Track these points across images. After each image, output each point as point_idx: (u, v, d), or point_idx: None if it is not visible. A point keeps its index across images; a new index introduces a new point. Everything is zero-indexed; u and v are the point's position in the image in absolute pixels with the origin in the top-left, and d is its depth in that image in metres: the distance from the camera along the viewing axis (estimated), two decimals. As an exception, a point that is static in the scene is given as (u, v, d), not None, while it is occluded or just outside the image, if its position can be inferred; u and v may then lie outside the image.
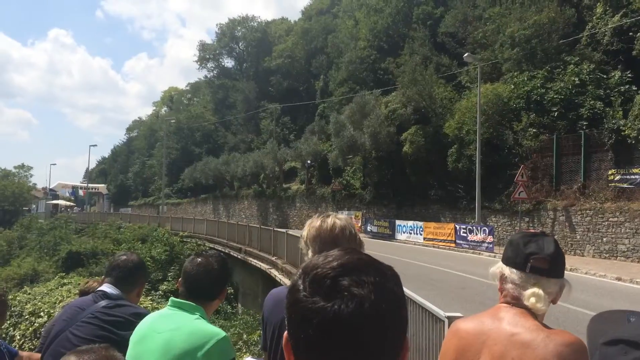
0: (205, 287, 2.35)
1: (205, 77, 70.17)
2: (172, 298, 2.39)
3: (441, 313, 4.76)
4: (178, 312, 2.29)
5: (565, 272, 1.79)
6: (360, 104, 32.98)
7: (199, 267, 2.37)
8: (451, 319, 4.57)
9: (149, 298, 10.80)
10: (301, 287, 0.84)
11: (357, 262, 0.86)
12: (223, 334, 2.21)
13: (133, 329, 2.34)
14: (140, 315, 2.53)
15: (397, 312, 0.84)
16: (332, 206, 35.69)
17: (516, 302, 1.74)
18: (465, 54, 24.61)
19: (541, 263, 1.71)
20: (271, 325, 2.18)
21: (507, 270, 1.77)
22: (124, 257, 2.97)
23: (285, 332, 0.88)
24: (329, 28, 49.52)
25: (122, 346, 2.21)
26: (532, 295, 1.69)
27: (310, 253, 2.07)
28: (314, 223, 2.12)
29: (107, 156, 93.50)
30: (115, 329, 2.62)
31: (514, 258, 1.76)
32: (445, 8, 33.72)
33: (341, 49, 42.83)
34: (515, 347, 1.64)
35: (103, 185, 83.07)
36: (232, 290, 23.09)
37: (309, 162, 39.55)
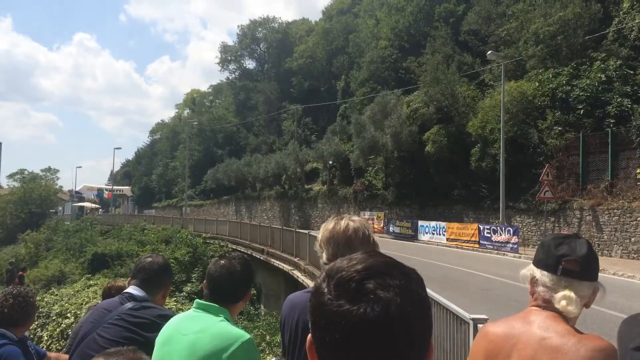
0: (229, 290, 2.35)
1: (227, 78, 70.88)
2: (196, 300, 2.39)
3: (466, 315, 4.70)
4: (203, 314, 2.30)
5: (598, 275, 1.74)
6: (382, 104, 32.91)
7: (222, 270, 2.37)
8: (476, 321, 4.51)
9: (173, 299, 10.90)
10: (325, 290, 0.84)
11: (381, 265, 0.85)
12: (248, 336, 2.21)
13: (158, 331, 2.36)
14: (165, 317, 2.54)
15: (422, 314, 0.83)
16: (354, 207, 35.66)
17: (547, 305, 1.70)
18: (489, 52, 24.38)
19: (573, 265, 1.66)
20: (288, 329, 2.20)
21: (538, 273, 1.74)
22: (150, 259, 2.99)
23: (309, 336, 0.88)
24: (350, 28, 49.49)
25: (148, 348, 2.22)
26: (563, 298, 1.66)
27: (324, 255, 2.08)
28: (327, 225, 2.13)
29: (131, 158, 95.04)
30: (141, 330, 2.64)
31: (545, 260, 1.73)
32: (468, 5, 33.41)
33: (362, 48, 42.75)
34: (545, 351, 1.60)
35: (127, 187, 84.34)
36: (255, 292, 23.21)
37: (330, 162, 39.55)
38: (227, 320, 2.29)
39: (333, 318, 0.80)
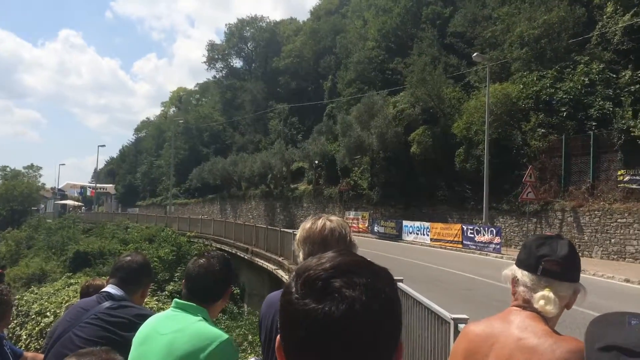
0: (207, 289, 2.34)
1: (214, 77, 70.48)
2: (175, 299, 2.37)
3: (447, 315, 4.70)
4: (181, 313, 2.28)
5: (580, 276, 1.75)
6: (368, 104, 33.07)
7: (200, 269, 2.36)
8: (457, 321, 4.52)
9: (154, 299, 10.82)
10: (293, 289, 0.84)
11: (349, 263, 0.85)
12: (226, 336, 2.20)
13: (136, 331, 2.33)
14: (143, 317, 2.52)
15: (389, 313, 0.82)
16: (339, 206, 35.77)
17: (527, 305, 1.71)
18: (474, 54, 24.55)
19: (553, 266, 1.67)
20: (264, 328, 2.20)
21: (519, 273, 1.75)
22: (129, 257, 2.97)
23: (278, 336, 0.87)
24: (338, 28, 49.48)
25: (125, 347, 2.20)
26: (542, 298, 1.66)
27: (301, 254, 2.09)
28: (305, 225, 2.15)
29: (115, 156, 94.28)
30: (118, 330, 2.62)
31: (526, 260, 1.73)
32: (454, 8, 33.61)
33: (349, 49, 42.75)
34: (522, 351, 1.61)
35: (111, 185, 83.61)
36: (239, 291, 23.13)
37: (316, 162, 39.61)
38: (206, 319, 2.27)
39: (299, 317, 0.80)
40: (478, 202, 24.03)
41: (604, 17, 22.51)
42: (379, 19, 39.33)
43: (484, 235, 21.68)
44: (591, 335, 1.08)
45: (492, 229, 21.58)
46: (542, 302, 1.66)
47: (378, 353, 0.81)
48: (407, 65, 32.85)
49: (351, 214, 33.62)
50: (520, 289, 1.73)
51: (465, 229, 23.11)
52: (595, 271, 15.22)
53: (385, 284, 0.84)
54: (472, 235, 22.37)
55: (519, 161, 23.02)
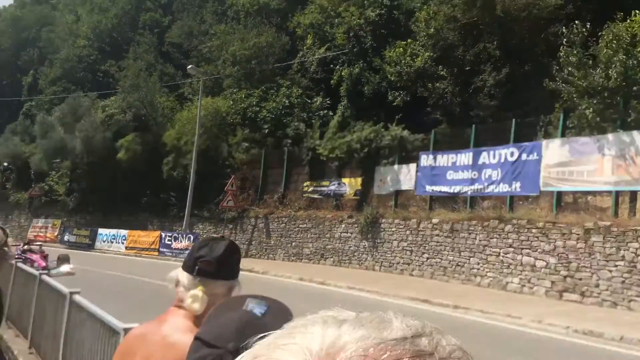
0: None
1: None
2: None
3: (118, 325, 4.25)
4: None
5: (239, 273, 1.81)
6: (74, 106, 31.48)
7: None
8: (127, 330, 4.07)
9: None
10: None
11: None
12: None
13: None
14: None
15: None
16: (27, 214, 32.88)
17: (183, 304, 1.77)
18: (189, 66, 24.84)
19: (207, 266, 1.74)
20: None
21: (181, 275, 1.80)
22: None
23: None
24: (46, 20, 45.59)
25: None
26: (190, 296, 1.73)
27: None
28: None
29: None
30: None
31: (187, 262, 1.81)
32: (174, 18, 33.69)
33: (57, 44, 39.91)
34: (164, 347, 1.66)
35: None
36: None
37: (5, 164, 35.77)
38: None
39: None
40: (182, 210, 24.12)
41: (304, 47, 25.07)
42: (93, 17, 37.49)
43: (181, 242, 21.95)
44: (206, 320, 1.11)
45: (190, 235, 22.00)
46: (189, 300, 1.72)
47: None
48: (121, 69, 31.68)
49: (40, 222, 30.61)
50: (180, 289, 1.79)
51: (163, 236, 23.19)
52: (276, 272, 16.63)
53: None
54: (170, 242, 22.52)
55: (224, 171, 23.86)
